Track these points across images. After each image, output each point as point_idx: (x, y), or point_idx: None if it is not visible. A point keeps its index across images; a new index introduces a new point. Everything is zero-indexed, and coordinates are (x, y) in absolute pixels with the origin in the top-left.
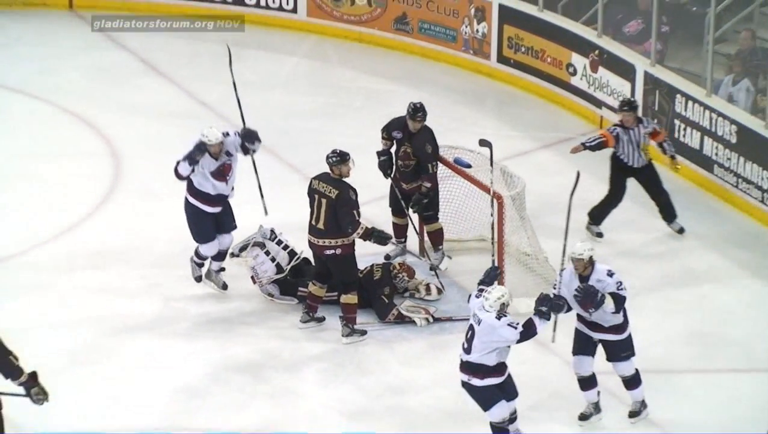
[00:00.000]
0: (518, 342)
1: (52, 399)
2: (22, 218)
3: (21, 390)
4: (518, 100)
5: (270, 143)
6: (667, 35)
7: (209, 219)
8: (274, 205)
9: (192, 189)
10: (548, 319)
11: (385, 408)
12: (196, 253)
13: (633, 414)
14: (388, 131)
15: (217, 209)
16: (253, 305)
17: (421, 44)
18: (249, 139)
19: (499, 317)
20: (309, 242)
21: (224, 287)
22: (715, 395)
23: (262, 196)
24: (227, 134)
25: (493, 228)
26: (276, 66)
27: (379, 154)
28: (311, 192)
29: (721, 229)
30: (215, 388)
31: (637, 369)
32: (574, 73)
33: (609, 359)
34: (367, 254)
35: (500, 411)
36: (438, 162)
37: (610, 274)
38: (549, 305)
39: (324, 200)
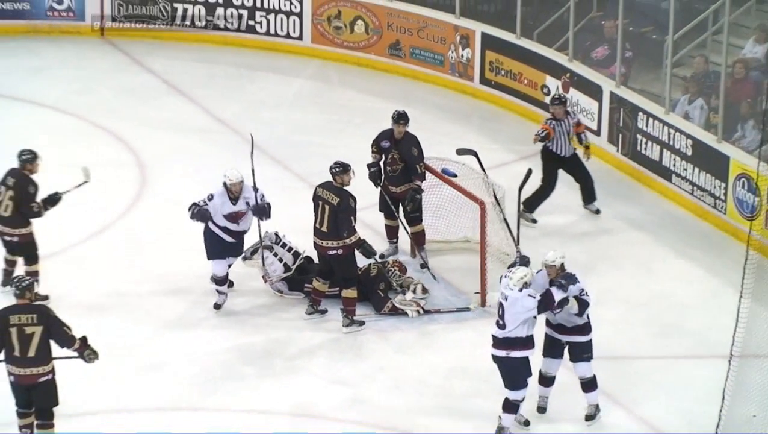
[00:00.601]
0: (539, 310)
1: (88, 382)
2: (58, 221)
3: (74, 354)
4: (499, 117)
5: (278, 154)
6: (630, 60)
7: (221, 242)
8: (282, 210)
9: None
10: (564, 291)
11: (382, 390)
12: (213, 278)
13: (588, 418)
14: (377, 143)
15: (229, 238)
16: (263, 300)
17: (413, 68)
18: (259, 214)
19: (520, 290)
20: (314, 243)
21: (230, 285)
22: (673, 378)
23: (263, 261)
24: (257, 189)
25: (508, 225)
26: (284, 87)
27: (369, 166)
28: (316, 198)
29: (679, 231)
30: (229, 372)
31: (594, 374)
32: (548, 93)
33: (571, 359)
34: None
35: (525, 390)
36: (426, 169)
37: (574, 281)
38: (566, 280)
39: (327, 206)
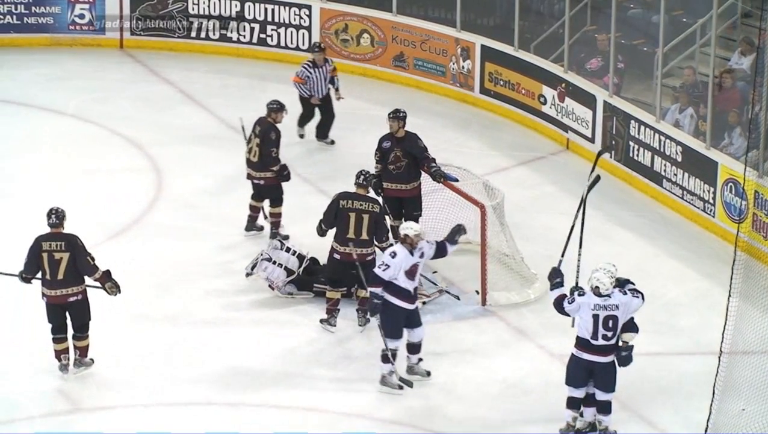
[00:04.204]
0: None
1: (117, 378)
2: (79, 223)
3: (97, 284)
4: (498, 125)
5: (288, 159)
6: (623, 71)
7: (402, 316)
8: (290, 213)
9: (390, 287)
10: (636, 294)
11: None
12: (390, 352)
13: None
14: (379, 148)
15: (409, 306)
16: (277, 304)
17: (416, 78)
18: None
19: (624, 293)
20: (344, 252)
21: (428, 374)
22: (666, 374)
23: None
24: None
25: (580, 226)
26: (294, 96)
27: (373, 176)
28: (345, 211)
29: (670, 233)
30: (243, 372)
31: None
32: (545, 103)
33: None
34: None
35: None
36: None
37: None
38: (624, 284)
39: (366, 215)
